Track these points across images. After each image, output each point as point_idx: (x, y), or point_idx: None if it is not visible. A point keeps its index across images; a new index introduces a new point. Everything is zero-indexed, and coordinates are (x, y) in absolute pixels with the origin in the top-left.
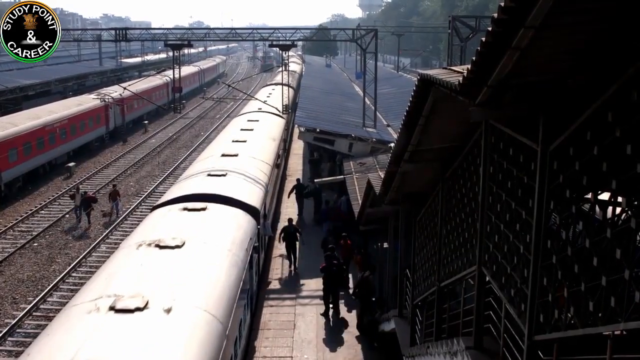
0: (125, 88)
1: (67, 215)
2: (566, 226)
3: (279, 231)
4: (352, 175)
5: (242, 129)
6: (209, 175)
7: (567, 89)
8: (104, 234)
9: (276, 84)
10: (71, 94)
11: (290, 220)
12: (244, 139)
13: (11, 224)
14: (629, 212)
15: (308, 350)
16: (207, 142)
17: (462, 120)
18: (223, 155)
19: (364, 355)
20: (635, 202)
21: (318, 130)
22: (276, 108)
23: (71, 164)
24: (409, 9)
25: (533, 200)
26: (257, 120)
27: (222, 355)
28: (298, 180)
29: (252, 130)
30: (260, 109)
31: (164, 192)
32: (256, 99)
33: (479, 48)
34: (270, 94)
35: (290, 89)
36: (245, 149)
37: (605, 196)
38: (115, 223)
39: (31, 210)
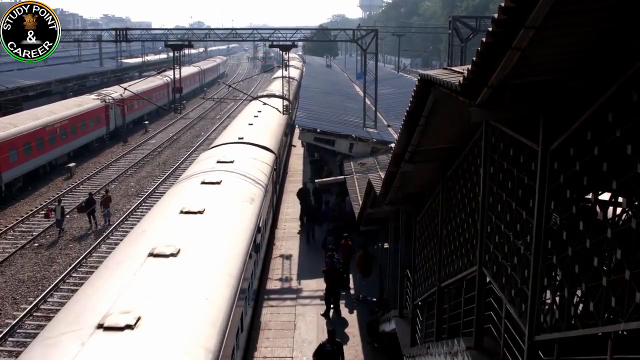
0: (125, 88)
1: (68, 216)
2: (567, 226)
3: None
4: (352, 175)
5: (203, 182)
6: (108, 327)
7: (567, 89)
8: (104, 234)
9: (268, 96)
10: (71, 94)
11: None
12: (200, 209)
13: (12, 225)
14: (630, 212)
15: (308, 350)
16: (207, 143)
17: (463, 120)
18: (151, 254)
19: (365, 355)
20: (636, 203)
21: (318, 130)
22: (276, 117)
23: (71, 165)
24: (410, 10)
25: (533, 200)
26: (232, 162)
27: None
28: (304, 186)
29: (219, 183)
30: (242, 138)
31: (164, 193)
32: (261, 98)
33: (479, 48)
34: (260, 111)
35: (288, 102)
36: (200, 227)
37: (605, 196)
38: (115, 224)
39: (32, 210)
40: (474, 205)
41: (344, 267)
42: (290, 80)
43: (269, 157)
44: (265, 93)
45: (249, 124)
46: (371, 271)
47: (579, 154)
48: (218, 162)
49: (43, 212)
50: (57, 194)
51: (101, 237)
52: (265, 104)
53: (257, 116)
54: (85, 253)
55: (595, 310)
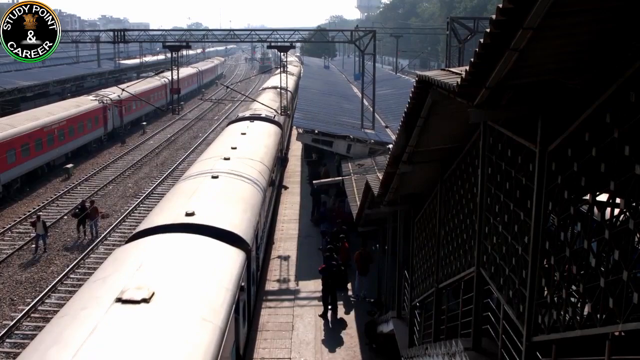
0: (123, 89)
1: (66, 217)
2: (564, 227)
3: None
4: (350, 176)
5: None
6: None
7: (565, 90)
8: (102, 235)
9: (252, 119)
10: (69, 95)
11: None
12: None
13: (9, 225)
14: (627, 213)
15: (306, 351)
16: (205, 144)
17: (461, 121)
18: None
19: (363, 356)
20: (634, 203)
21: (316, 131)
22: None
23: (69, 166)
24: (408, 11)
25: (531, 201)
26: (147, 301)
27: None
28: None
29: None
30: (192, 215)
31: (162, 195)
32: (243, 120)
33: (477, 49)
34: (234, 148)
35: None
36: None
37: (603, 197)
38: (113, 225)
39: (29, 211)
40: (472, 206)
41: (340, 267)
42: (285, 91)
43: (233, 264)
44: (248, 114)
45: (213, 177)
46: (367, 270)
47: (577, 154)
48: (122, 301)
49: (34, 217)
50: (55, 195)
51: (99, 239)
52: (243, 134)
53: (228, 158)
54: (83, 254)
55: (593, 311)
